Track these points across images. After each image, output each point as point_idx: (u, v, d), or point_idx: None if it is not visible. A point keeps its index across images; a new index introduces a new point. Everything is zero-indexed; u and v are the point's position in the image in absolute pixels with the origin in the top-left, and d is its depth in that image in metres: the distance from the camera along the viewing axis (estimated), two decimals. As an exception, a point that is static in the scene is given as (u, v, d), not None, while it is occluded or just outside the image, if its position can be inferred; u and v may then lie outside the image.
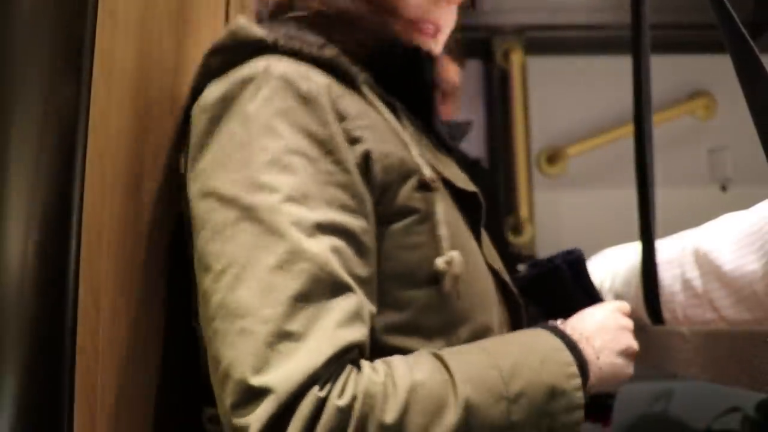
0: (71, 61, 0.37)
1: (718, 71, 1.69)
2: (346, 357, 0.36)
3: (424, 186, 0.42)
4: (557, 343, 0.40)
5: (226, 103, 0.41)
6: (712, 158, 1.82)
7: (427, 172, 0.42)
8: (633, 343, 0.44)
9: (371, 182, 0.40)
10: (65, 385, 0.35)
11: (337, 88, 0.41)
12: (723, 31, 0.45)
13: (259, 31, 0.43)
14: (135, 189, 0.45)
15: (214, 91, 0.42)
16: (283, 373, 0.34)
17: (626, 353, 0.44)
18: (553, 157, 1.81)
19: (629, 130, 0.73)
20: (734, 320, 0.47)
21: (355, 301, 0.37)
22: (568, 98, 1.78)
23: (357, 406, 0.34)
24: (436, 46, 0.50)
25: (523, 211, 1.73)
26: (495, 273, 0.47)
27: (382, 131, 0.42)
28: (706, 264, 0.51)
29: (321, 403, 0.33)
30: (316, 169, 0.38)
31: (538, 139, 1.81)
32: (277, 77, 0.40)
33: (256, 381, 0.34)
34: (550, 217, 1.77)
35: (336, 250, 0.37)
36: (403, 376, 0.36)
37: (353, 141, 0.40)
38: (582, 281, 0.52)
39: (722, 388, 0.48)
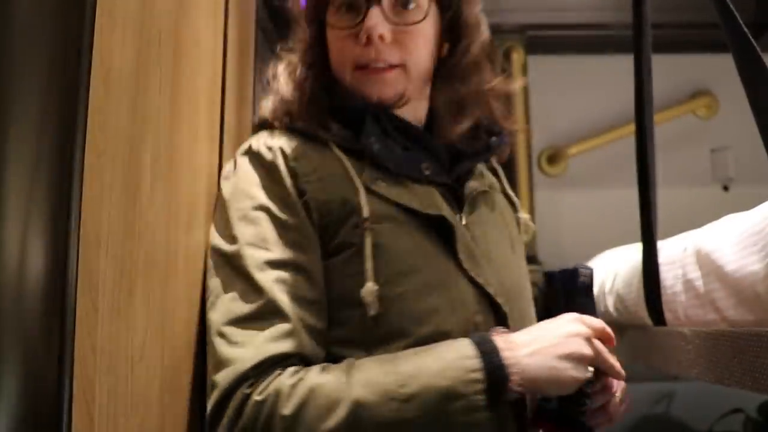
0: (69, 61, 0.37)
1: (719, 71, 1.68)
2: (277, 364, 0.47)
3: (360, 224, 0.52)
4: (468, 351, 0.46)
5: (227, 175, 0.59)
6: (714, 158, 1.81)
7: (365, 213, 0.52)
8: (582, 349, 0.46)
9: (314, 224, 0.53)
10: (64, 385, 0.35)
11: (299, 151, 0.55)
12: (725, 30, 0.44)
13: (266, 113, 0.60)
14: (134, 190, 0.45)
15: (228, 165, 0.60)
16: (224, 373, 0.47)
17: (572, 357, 0.46)
18: (554, 157, 1.81)
19: (630, 129, 0.73)
20: (736, 321, 0.47)
21: (290, 322, 0.49)
22: (568, 98, 1.77)
23: (268, 401, 0.45)
24: (408, 81, 0.57)
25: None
26: (477, 285, 0.53)
27: (331, 181, 0.54)
28: (708, 264, 0.50)
29: (245, 398, 0.46)
30: (274, 219, 0.52)
31: (538, 139, 1.81)
32: (252, 153, 0.57)
33: (212, 377, 0.48)
34: (551, 217, 1.77)
35: (281, 281, 0.50)
36: (309, 379, 0.46)
37: (300, 193, 0.53)
38: (572, 299, 0.55)
39: (724, 389, 0.48)
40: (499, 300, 0.53)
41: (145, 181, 0.47)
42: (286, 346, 0.48)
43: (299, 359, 0.49)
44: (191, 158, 0.58)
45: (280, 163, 0.54)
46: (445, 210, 0.55)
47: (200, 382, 0.59)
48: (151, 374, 0.47)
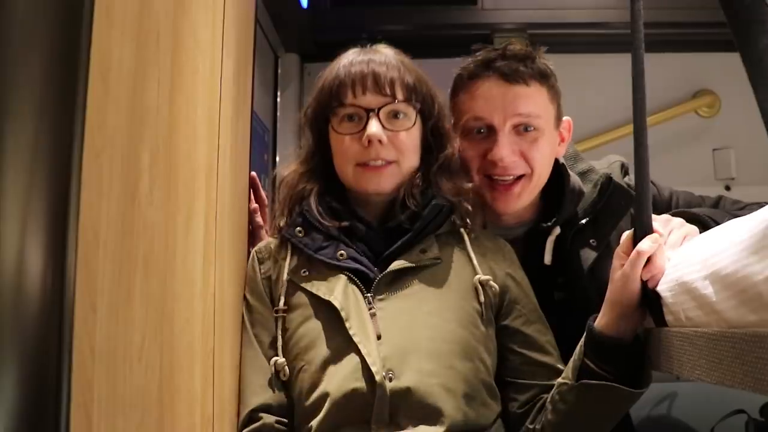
0: (67, 60, 0.37)
1: (722, 70, 1.67)
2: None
3: (277, 312, 0.70)
4: None
5: None
6: (716, 157, 1.80)
7: (280, 305, 0.70)
8: None
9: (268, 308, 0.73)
10: (62, 385, 0.35)
11: (267, 252, 0.74)
12: (731, 28, 0.44)
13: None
14: (132, 189, 0.45)
15: None
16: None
17: None
18: (556, 156, 1.79)
19: (631, 129, 0.72)
20: (737, 323, 0.46)
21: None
22: (569, 97, 1.76)
23: None
24: (401, 174, 0.71)
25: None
26: (357, 350, 0.64)
27: (272, 278, 0.72)
28: (709, 265, 0.50)
29: None
30: (247, 304, 0.73)
31: (540, 139, 1.79)
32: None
33: None
34: (553, 217, 1.75)
35: (261, 344, 0.71)
36: None
37: (263, 286, 0.73)
38: None
39: (726, 390, 0.47)
40: (374, 369, 0.63)
41: (143, 180, 0.47)
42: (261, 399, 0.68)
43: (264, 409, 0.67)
44: (190, 157, 0.57)
45: (255, 263, 0.74)
46: (337, 294, 0.67)
47: (199, 383, 0.59)
48: (150, 375, 0.47)
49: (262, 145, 1.49)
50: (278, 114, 1.66)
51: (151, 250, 0.48)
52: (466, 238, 0.72)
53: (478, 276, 0.69)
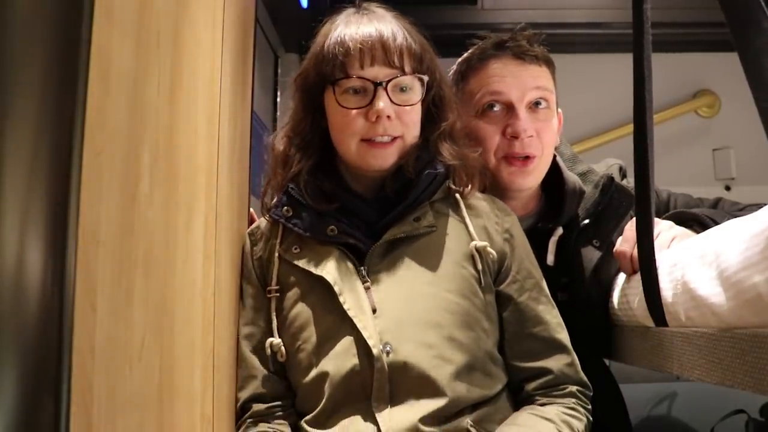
0: (68, 60, 0.37)
1: (722, 69, 1.67)
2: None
3: (269, 292, 0.69)
4: None
5: None
6: (716, 157, 1.80)
7: (273, 284, 0.68)
8: None
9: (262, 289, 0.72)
10: (62, 385, 0.35)
11: (260, 233, 0.73)
12: (729, 27, 0.44)
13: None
14: (132, 189, 0.45)
15: None
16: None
17: None
18: (556, 156, 1.79)
19: (631, 129, 0.72)
20: (737, 324, 0.46)
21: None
22: (569, 97, 1.76)
23: None
24: (404, 149, 0.69)
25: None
26: (353, 325, 0.62)
27: (264, 257, 0.71)
28: (709, 266, 0.50)
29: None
30: (242, 288, 0.72)
31: (540, 139, 1.79)
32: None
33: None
34: (553, 217, 1.75)
35: (245, 336, 0.70)
36: None
37: (254, 268, 0.72)
38: None
39: (726, 390, 0.48)
40: (370, 342, 0.61)
41: (143, 180, 0.47)
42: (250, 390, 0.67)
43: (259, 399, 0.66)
44: (190, 157, 0.57)
45: (248, 246, 0.73)
46: (330, 269, 0.65)
47: (199, 383, 0.59)
48: (149, 375, 0.47)
49: (262, 145, 1.49)
50: (278, 114, 1.66)
51: (151, 250, 0.48)
52: (461, 203, 0.70)
53: (474, 242, 0.67)
